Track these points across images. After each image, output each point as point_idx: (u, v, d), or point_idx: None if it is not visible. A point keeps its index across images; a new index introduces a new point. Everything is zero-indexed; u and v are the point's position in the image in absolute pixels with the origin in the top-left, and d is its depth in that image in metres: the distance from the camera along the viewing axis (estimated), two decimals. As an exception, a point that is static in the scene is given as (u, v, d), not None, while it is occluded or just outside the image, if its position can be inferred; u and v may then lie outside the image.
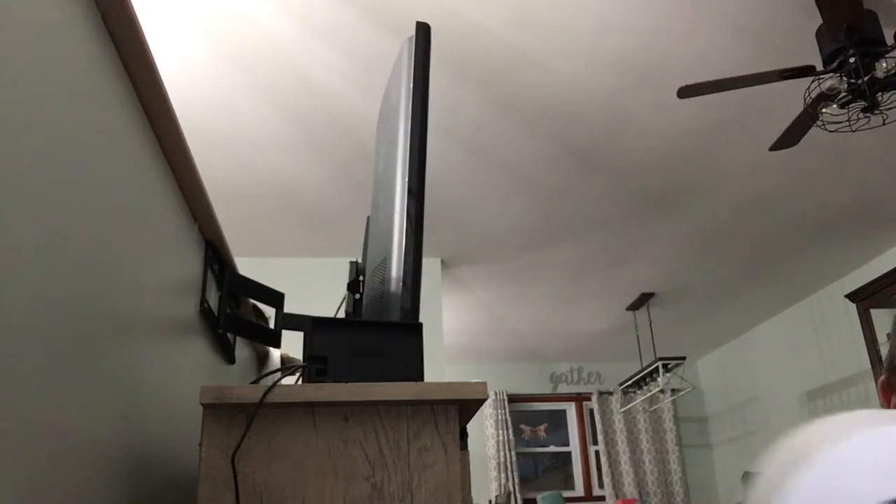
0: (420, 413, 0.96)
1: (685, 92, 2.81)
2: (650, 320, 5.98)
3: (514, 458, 6.90)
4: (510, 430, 6.99)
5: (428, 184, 3.96)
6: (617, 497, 6.88)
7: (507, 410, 7.07)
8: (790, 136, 3.13)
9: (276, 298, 1.54)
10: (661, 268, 5.15)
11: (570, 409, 7.45)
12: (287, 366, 1.05)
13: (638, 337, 6.26)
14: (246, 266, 1.97)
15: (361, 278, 1.50)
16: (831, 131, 3.08)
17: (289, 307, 1.44)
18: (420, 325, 1.03)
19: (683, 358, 5.63)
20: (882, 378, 0.54)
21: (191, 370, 1.39)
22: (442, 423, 0.96)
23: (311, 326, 1.01)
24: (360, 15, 2.75)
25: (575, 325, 6.33)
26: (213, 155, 3.58)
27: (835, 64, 2.67)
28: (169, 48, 2.84)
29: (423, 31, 1.14)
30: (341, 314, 1.56)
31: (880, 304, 4.56)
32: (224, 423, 0.93)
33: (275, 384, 0.93)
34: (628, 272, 5.22)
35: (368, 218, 1.57)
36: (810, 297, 5.78)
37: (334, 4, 2.69)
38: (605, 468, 7.02)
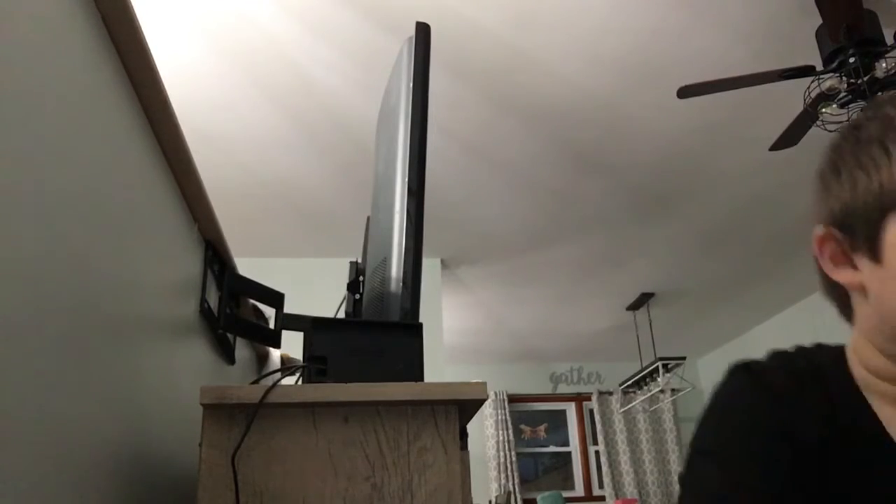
0: (420, 413, 0.96)
1: (685, 92, 2.81)
2: (650, 320, 5.98)
3: (514, 459, 6.90)
4: (510, 431, 6.98)
5: (428, 184, 3.96)
6: (617, 497, 6.88)
7: (507, 410, 7.07)
8: (790, 136, 3.13)
9: (276, 298, 1.53)
10: (661, 268, 5.15)
11: (570, 409, 7.45)
12: (287, 366, 1.05)
13: (638, 337, 6.26)
14: (246, 266, 1.97)
15: (361, 278, 1.50)
16: (831, 131, 3.07)
17: (289, 307, 1.43)
18: (420, 325, 1.02)
19: (683, 358, 5.62)
20: (820, 233, 0.53)
21: (191, 370, 1.39)
22: (442, 423, 0.96)
23: (311, 326, 1.01)
24: (360, 15, 2.74)
25: (575, 325, 6.33)
26: (213, 155, 3.58)
27: (835, 64, 2.68)
28: (169, 48, 2.84)
29: (423, 31, 1.14)
30: (341, 314, 1.56)
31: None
32: (224, 424, 0.93)
33: (275, 384, 0.93)
34: (628, 272, 5.21)
35: (368, 218, 1.57)
36: (810, 297, 5.78)
37: (334, 4, 2.69)
38: (605, 468, 7.02)
